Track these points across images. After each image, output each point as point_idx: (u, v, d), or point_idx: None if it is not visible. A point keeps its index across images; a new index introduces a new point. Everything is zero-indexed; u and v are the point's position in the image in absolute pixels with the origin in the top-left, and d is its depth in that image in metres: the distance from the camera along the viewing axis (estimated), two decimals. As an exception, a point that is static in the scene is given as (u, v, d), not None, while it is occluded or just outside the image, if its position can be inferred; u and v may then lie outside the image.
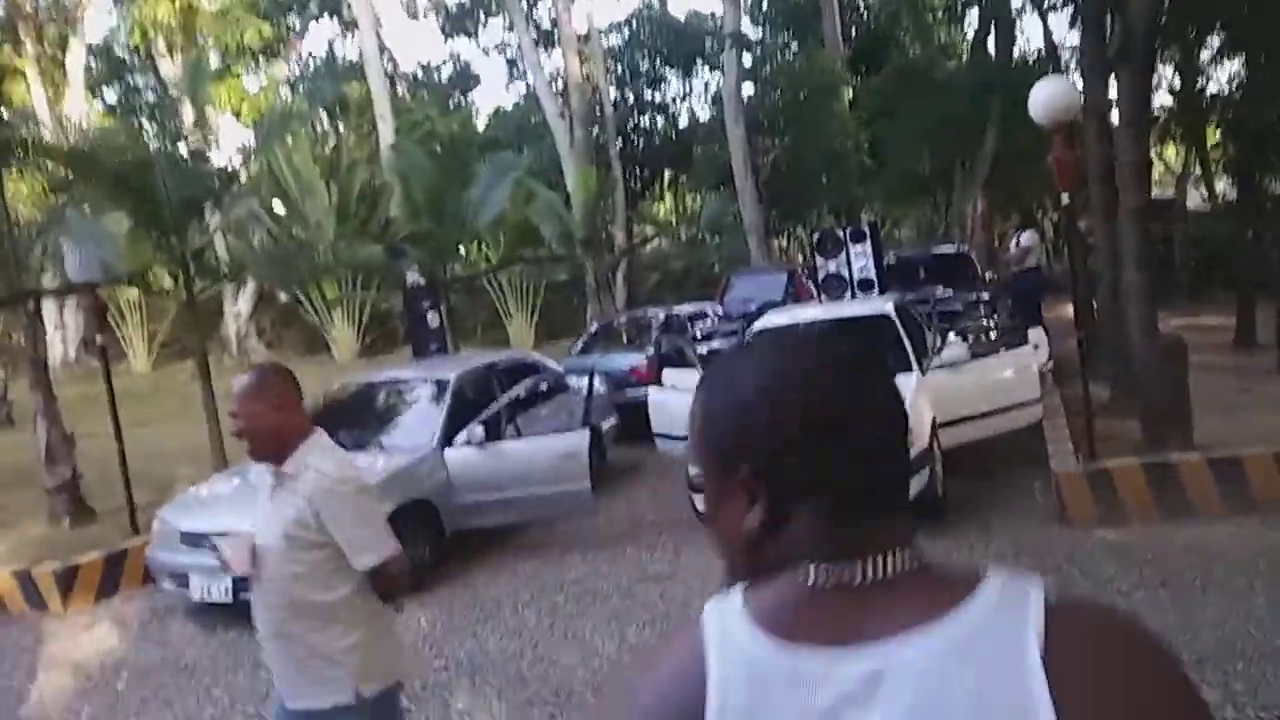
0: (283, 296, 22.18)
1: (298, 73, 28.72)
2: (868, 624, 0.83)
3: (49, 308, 16.13)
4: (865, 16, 24.86)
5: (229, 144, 24.60)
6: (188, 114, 8.46)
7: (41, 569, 6.64)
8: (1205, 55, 15.89)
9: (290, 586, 2.57)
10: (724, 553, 0.95)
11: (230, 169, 9.45)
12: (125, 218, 9.64)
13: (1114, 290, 8.50)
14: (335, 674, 2.57)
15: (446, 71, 30.97)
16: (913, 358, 7.04)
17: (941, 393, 6.73)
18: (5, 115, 8.44)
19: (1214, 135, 19.32)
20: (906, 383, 6.68)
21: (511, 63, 28.86)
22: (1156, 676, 0.80)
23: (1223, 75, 29.02)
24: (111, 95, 27.42)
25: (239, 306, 21.31)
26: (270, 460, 2.60)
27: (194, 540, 5.77)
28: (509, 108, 27.15)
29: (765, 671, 0.84)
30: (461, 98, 30.38)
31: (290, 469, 2.57)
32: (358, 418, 7.72)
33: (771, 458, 0.87)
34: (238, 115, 23.80)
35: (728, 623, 0.88)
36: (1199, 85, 16.10)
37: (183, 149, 8.47)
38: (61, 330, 19.95)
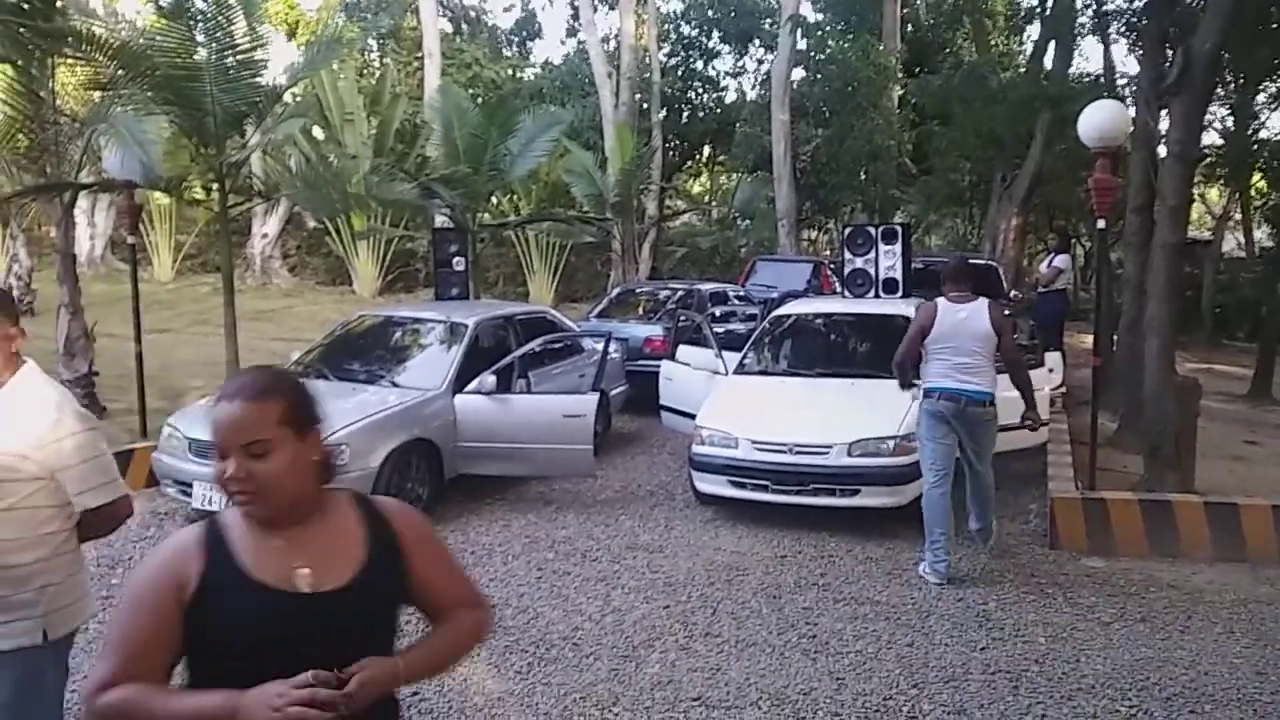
0: (310, 223, 22.24)
1: (354, -2, 28.51)
2: (963, 299, 5.45)
3: (81, 205, 16.22)
4: (923, 15, 24.52)
5: (276, 63, 24.48)
6: (239, 26, 8.40)
7: (49, 458, 6.75)
8: (1261, 98, 15.71)
9: None
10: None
11: (276, 88, 9.40)
12: (167, 123, 9.67)
13: (1135, 324, 8.48)
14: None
15: (513, 18, 30.77)
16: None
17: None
18: (60, 2, 8.41)
19: (1259, 181, 19.10)
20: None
21: (575, 13, 28.55)
22: None
23: (1276, 122, 28.45)
24: (164, -3, 27.30)
25: (266, 228, 21.36)
26: None
27: (203, 449, 5.88)
28: (557, 61, 26.96)
29: (947, 311, 5.45)
30: (521, 46, 30.08)
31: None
32: (373, 351, 7.79)
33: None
34: (292, 35, 23.73)
35: (941, 302, 5.54)
36: (1251, 129, 15.90)
37: (231, 61, 8.42)
38: (92, 229, 20.05)
